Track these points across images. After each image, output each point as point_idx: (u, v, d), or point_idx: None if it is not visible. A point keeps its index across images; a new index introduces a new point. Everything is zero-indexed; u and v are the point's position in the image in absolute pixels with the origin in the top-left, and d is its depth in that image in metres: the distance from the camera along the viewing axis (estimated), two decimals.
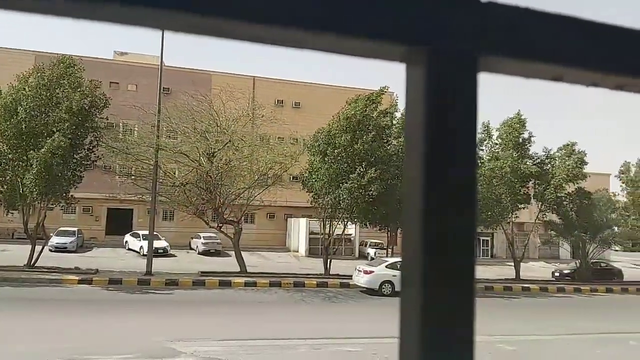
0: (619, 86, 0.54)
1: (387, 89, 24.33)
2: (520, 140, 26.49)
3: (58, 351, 8.86)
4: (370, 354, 10.07)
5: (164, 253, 28.38)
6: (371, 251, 34.16)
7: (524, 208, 27.81)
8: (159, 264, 22.45)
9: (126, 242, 31.46)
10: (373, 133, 22.53)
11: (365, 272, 19.98)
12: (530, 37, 0.56)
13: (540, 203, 26.93)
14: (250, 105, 24.75)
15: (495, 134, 27.45)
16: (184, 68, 37.14)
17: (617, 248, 39.98)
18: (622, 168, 31.67)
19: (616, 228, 26.95)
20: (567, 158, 26.71)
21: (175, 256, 29.19)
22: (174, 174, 22.58)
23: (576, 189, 26.63)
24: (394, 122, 24.99)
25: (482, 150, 27.27)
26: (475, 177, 0.55)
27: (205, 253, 30.76)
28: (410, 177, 0.52)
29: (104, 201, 31.41)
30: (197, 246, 31.94)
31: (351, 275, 21.35)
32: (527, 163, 25.95)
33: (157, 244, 25.88)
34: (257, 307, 16.06)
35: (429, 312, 0.45)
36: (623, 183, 32.05)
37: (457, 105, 0.57)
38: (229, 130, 21.90)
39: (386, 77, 48.96)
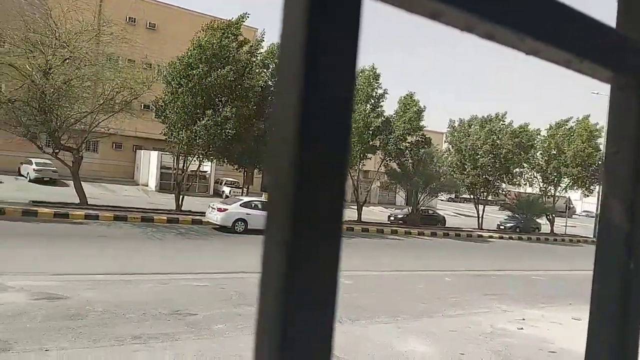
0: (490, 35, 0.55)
1: (247, 17, 23.33)
2: (374, 94, 27.92)
3: None
4: (218, 288, 10.26)
5: None
6: (226, 189, 34.12)
7: (369, 158, 29.98)
8: None
9: None
10: (230, 67, 21.68)
11: (219, 210, 19.95)
12: None
13: (384, 153, 29.23)
14: (97, 19, 22.04)
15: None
16: None
17: (442, 198, 45.76)
18: (448, 129, 35.24)
19: (443, 179, 30.53)
20: (406, 109, 28.91)
21: (1, 182, 25.70)
22: (0, 88, 19.39)
23: (415, 141, 29.35)
24: (258, 57, 24.45)
25: None
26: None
27: (38, 181, 27.66)
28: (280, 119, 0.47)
29: None
30: (27, 173, 28.50)
31: (204, 213, 21.15)
32: (376, 117, 27.47)
33: None
34: (100, 241, 15.10)
35: (294, 252, 0.42)
36: (448, 142, 35.69)
37: None
38: (70, 44, 19.32)
39: (256, 13, 47.22)
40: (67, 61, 19.31)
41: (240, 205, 20.43)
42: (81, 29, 19.99)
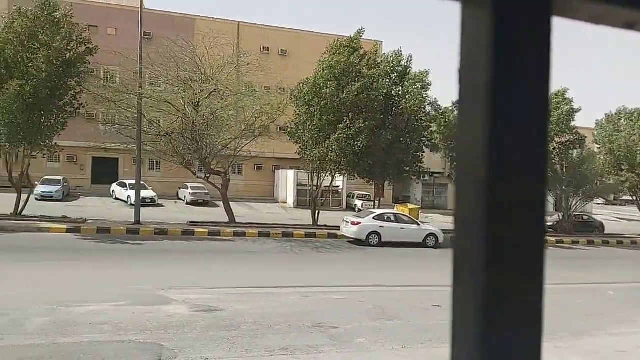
0: None
1: (363, 31, 24.02)
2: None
3: (49, 296, 8.94)
4: (357, 302, 10.35)
5: (151, 203, 28.38)
6: (358, 203, 34.56)
7: None
8: (147, 213, 22.46)
9: (113, 191, 31.29)
10: (360, 83, 22.24)
11: (353, 223, 20.27)
12: None
13: None
14: (235, 52, 24.08)
15: None
16: (166, 11, 35.76)
17: (599, 202, 40.93)
18: (596, 127, 31.39)
19: (598, 182, 27.33)
20: (556, 107, 26.32)
21: (163, 206, 29.21)
22: (159, 123, 22.16)
23: (564, 141, 26.70)
24: (380, 68, 24.66)
25: None
26: (546, 140, 0.48)
27: (193, 203, 30.83)
28: (466, 141, 0.44)
29: (88, 150, 30.91)
30: (184, 196, 31.94)
31: (339, 226, 21.65)
32: None
33: (144, 193, 25.78)
34: (247, 257, 16.29)
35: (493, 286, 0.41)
36: (595, 140, 31.74)
37: (527, 55, 0.50)
38: (214, 78, 21.38)
39: (378, 25, 47.67)
40: (213, 93, 21.36)
41: (373, 218, 20.53)
42: (222, 63, 22.06)
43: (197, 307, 9.07)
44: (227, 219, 22.89)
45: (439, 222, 30.42)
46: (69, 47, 18.99)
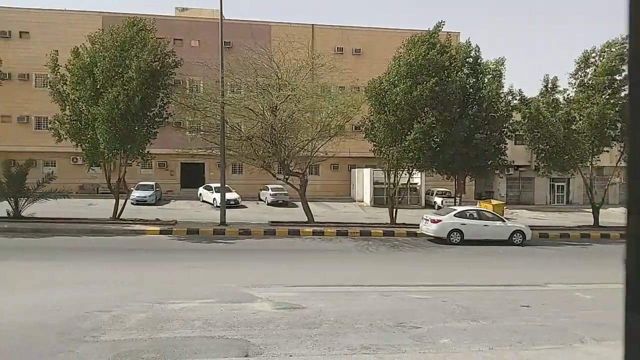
0: None
1: (443, 24, 23.23)
2: (615, 81, 23.88)
3: (145, 294, 9.65)
4: (439, 301, 10.12)
5: (235, 204, 29.63)
6: (438, 200, 33.77)
7: (607, 151, 26.10)
8: (231, 214, 23.49)
9: (200, 194, 33.09)
10: (436, 78, 21.66)
11: (433, 221, 19.83)
12: None
13: (623, 145, 24.98)
14: (310, 55, 24.46)
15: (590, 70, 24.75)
16: (244, 20, 37.10)
17: None
18: None
19: None
20: None
21: (246, 207, 30.37)
22: (240, 128, 23.08)
23: None
24: (457, 61, 23.82)
25: (575, 81, 25.14)
26: None
27: (274, 204, 31.77)
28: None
29: (177, 156, 32.92)
30: (265, 197, 33.02)
31: (418, 224, 21.29)
32: (612, 107, 23.54)
33: (228, 195, 27.00)
34: (325, 256, 16.50)
35: None
36: None
37: None
38: (290, 82, 21.88)
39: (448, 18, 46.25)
40: (289, 97, 21.89)
41: (455, 215, 19.94)
42: (298, 67, 22.52)
43: (280, 305, 9.34)
44: (306, 219, 23.33)
45: (526, 219, 28.92)
46: (155, 60, 20.35)
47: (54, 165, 35.11)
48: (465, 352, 6.99)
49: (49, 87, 21.38)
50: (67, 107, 20.92)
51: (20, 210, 20.75)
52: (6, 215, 20.61)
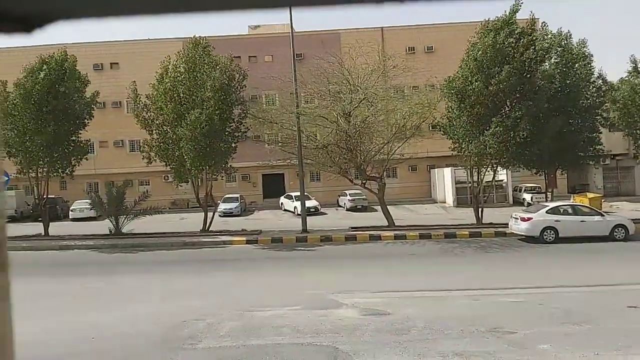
0: None
1: (520, 4, 20.33)
2: None
3: (236, 302, 10.02)
4: (536, 304, 9.54)
5: (315, 212, 30.04)
6: (527, 196, 31.94)
7: None
8: (312, 221, 23.82)
9: (281, 203, 33.97)
10: (509, 66, 20.06)
11: (523, 219, 18.78)
12: None
13: None
14: (381, 58, 24.25)
15: None
16: (313, 31, 37.66)
17: None
18: None
19: None
20: None
21: (326, 214, 30.68)
22: (316, 136, 23.40)
23: None
24: (539, 49, 21.95)
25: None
26: None
27: (353, 209, 31.79)
28: None
29: (258, 168, 34.00)
30: (344, 203, 33.14)
31: (506, 224, 20.26)
32: None
33: (308, 203, 27.42)
34: (409, 260, 16.20)
35: None
36: None
37: None
38: (362, 87, 21.83)
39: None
40: (362, 102, 21.85)
41: (547, 212, 18.75)
42: (369, 71, 22.44)
43: (366, 311, 9.30)
44: (386, 223, 23.08)
45: (628, 212, 26.53)
46: (226, 77, 21.33)
47: (148, 184, 37.71)
48: (568, 358, 6.52)
49: (134, 115, 23.15)
50: (154, 130, 22.47)
51: (121, 228, 22.49)
52: (108, 233, 22.43)
